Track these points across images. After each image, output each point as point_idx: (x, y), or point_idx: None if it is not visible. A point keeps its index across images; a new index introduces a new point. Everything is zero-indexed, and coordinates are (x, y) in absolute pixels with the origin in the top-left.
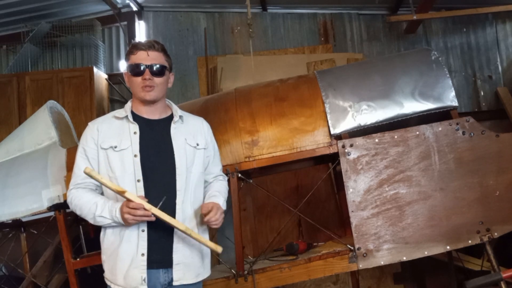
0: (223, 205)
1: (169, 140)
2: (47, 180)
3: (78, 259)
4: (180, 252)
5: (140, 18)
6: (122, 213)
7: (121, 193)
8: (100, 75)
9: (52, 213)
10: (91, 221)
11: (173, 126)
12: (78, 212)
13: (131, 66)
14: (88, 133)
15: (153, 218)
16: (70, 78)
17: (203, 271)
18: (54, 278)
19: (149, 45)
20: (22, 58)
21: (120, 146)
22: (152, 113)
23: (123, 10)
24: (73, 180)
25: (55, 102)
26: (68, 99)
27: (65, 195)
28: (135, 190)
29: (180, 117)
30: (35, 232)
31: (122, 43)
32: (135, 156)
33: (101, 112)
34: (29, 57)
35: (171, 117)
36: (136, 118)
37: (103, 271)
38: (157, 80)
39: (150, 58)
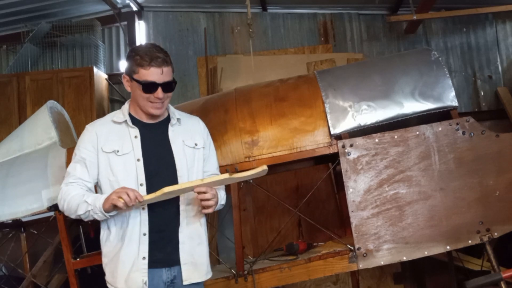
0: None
1: (167, 142)
2: (47, 180)
3: (78, 259)
4: (187, 251)
5: (140, 18)
6: (109, 197)
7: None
8: (100, 75)
9: (52, 213)
10: (73, 215)
11: (170, 129)
12: (65, 207)
13: (143, 82)
14: (86, 136)
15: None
16: (70, 78)
17: (210, 270)
18: (54, 278)
19: (162, 61)
20: (22, 58)
21: (122, 150)
22: (152, 118)
23: (123, 10)
24: (65, 179)
25: (55, 102)
26: (68, 99)
27: None
28: None
29: (178, 119)
30: (35, 232)
31: (122, 43)
32: (138, 160)
33: (101, 112)
34: (29, 57)
35: (168, 119)
36: (135, 121)
37: (103, 273)
38: (167, 95)
39: (163, 76)
